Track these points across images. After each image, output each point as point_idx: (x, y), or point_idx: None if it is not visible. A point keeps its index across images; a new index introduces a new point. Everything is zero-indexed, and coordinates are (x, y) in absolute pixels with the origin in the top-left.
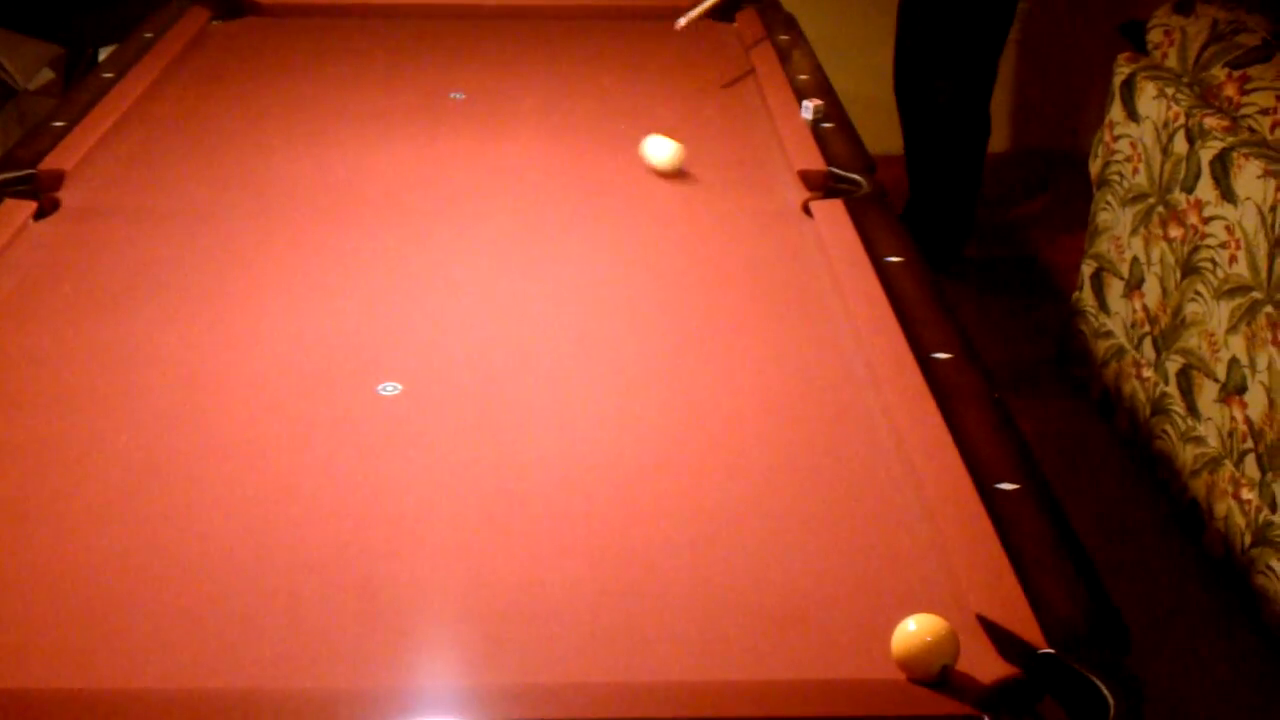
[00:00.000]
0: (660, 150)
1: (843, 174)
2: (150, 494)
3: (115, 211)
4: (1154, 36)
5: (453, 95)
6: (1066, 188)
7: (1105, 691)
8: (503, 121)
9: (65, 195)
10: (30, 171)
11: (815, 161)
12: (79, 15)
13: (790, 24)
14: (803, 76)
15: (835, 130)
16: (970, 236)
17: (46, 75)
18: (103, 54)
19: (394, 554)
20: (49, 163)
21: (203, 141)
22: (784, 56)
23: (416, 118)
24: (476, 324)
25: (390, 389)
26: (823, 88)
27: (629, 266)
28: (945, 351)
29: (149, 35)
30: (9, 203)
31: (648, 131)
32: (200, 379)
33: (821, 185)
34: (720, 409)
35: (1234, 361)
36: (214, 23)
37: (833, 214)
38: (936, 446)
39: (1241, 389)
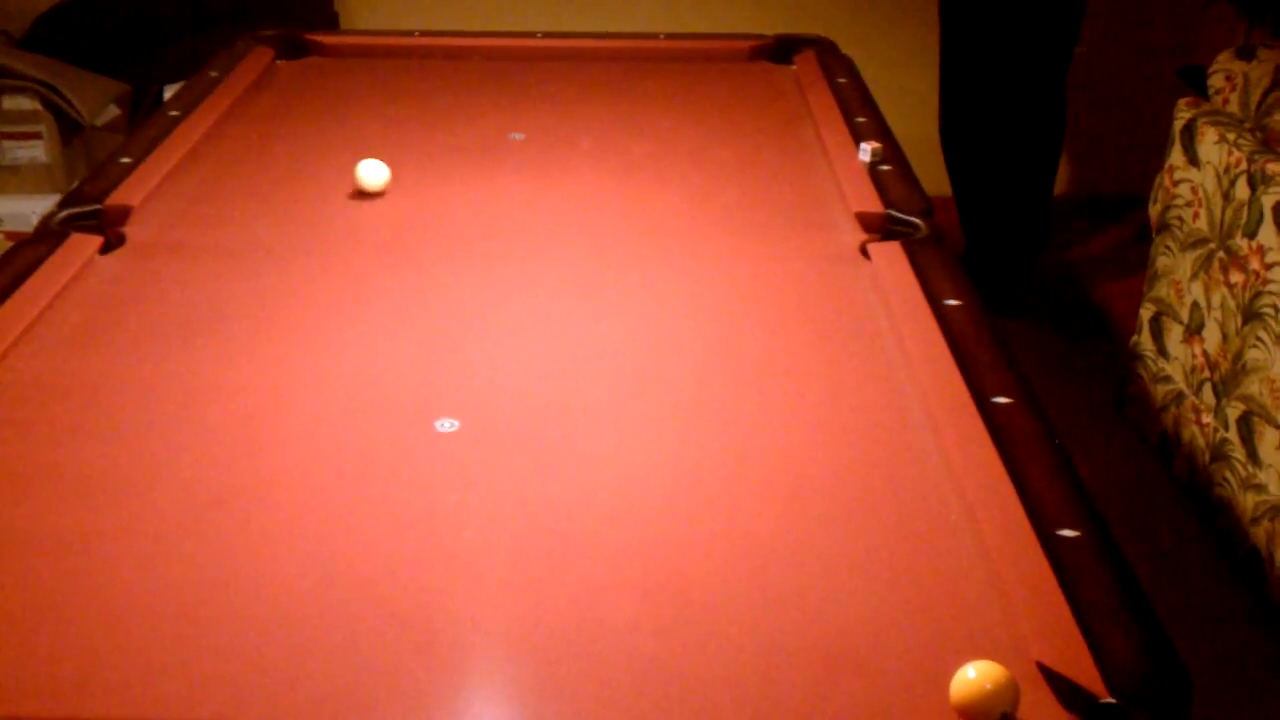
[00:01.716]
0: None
1: (901, 216)
2: (211, 526)
3: (180, 247)
4: (1215, 81)
5: (512, 136)
6: (1125, 232)
7: None
8: (561, 162)
9: (131, 230)
10: (97, 207)
11: (873, 204)
12: (145, 53)
13: (848, 66)
14: (860, 119)
15: (893, 172)
16: (1030, 279)
17: (112, 112)
18: (168, 92)
19: (450, 590)
20: (115, 198)
21: (266, 179)
22: (842, 99)
23: (476, 158)
24: (533, 362)
25: (448, 425)
26: (880, 130)
27: (686, 306)
28: (1005, 395)
29: (214, 74)
30: (76, 237)
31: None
32: (261, 413)
33: (879, 227)
34: (776, 449)
35: None
36: (278, 62)
37: (890, 256)
38: (996, 491)
39: None
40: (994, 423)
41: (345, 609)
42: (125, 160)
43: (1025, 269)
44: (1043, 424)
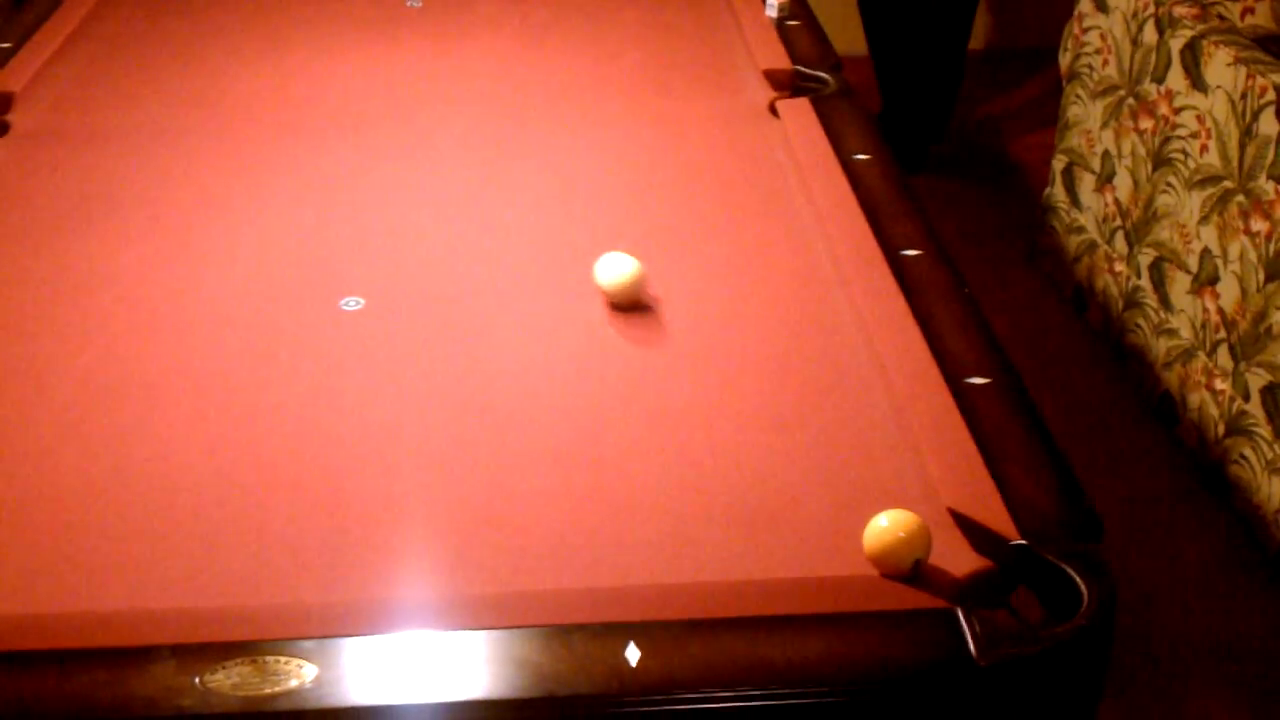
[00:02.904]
0: (615, 271)
1: (809, 72)
2: (111, 415)
3: (67, 133)
4: None
5: (409, 3)
6: (1040, 84)
7: (1078, 580)
8: (461, 27)
9: (14, 118)
10: None
11: (781, 60)
12: None
13: None
14: None
15: (800, 28)
16: (946, 134)
17: None
18: None
19: (361, 469)
20: None
21: (154, 59)
22: None
23: (373, 26)
24: (439, 233)
25: (353, 303)
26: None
27: (594, 170)
28: (914, 248)
29: None
30: None
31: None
32: (159, 298)
33: (788, 84)
34: (688, 312)
35: (1206, 252)
36: None
37: (799, 113)
38: (906, 343)
39: (1214, 280)
40: (903, 275)
41: (254, 491)
42: (4, 45)
43: (940, 125)
44: (952, 275)
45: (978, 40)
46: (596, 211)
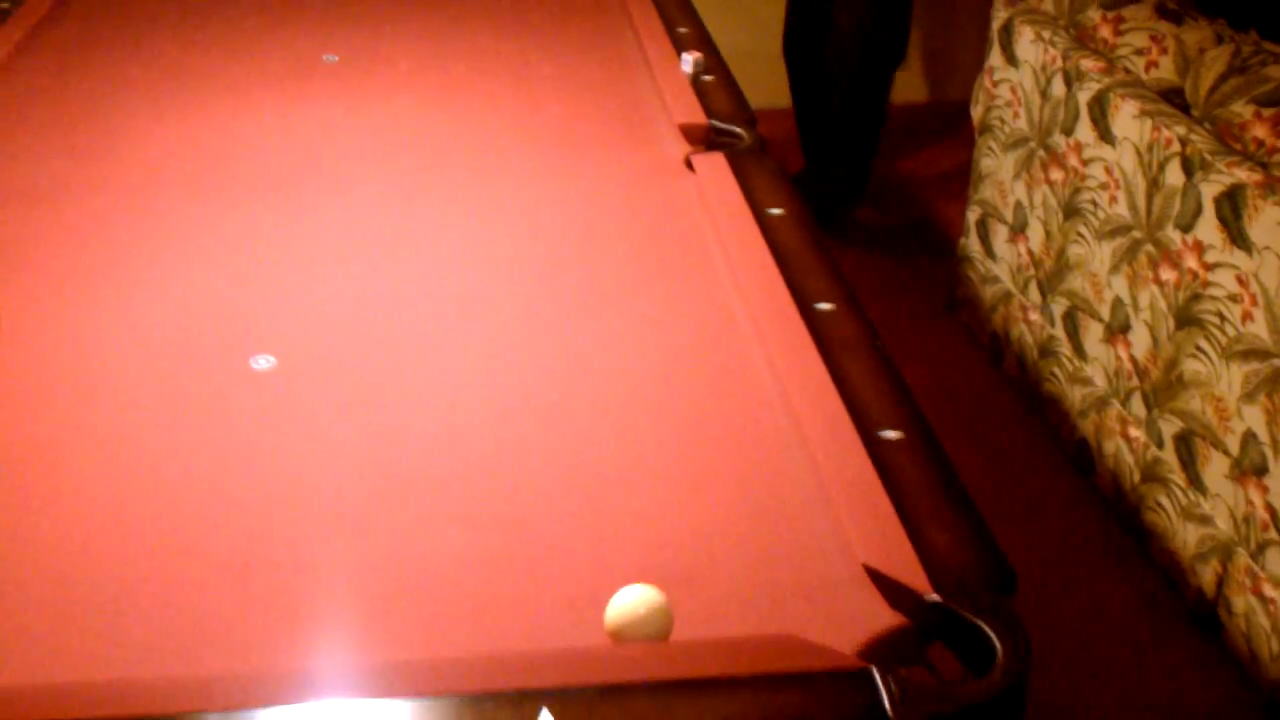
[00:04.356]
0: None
1: (724, 127)
2: (7, 482)
3: None
4: None
5: (326, 59)
6: (959, 139)
7: (992, 635)
8: (377, 84)
9: None
10: None
11: (696, 115)
12: None
13: None
14: (681, 29)
15: (715, 83)
16: (864, 193)
17: None
18: None
19: (269, 533)
20: None
21: (61, 112)
22: (663, 10)
23: (288, 82)
24: (351, 293)
25: (264, 362)
26: (702, 40)
27: (508, 228)
28: (827, 302)
29: (4, 5)
30: None
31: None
32: (61, 359)
33: (703, 139)
34: (603, 368)
35: (1117, 301)
36: None
37: (714, 167)
38: (820, 396)
39: (1125, 328)
40: (817, 328)
41: (157, 558)
42: None
43: (861, 181)
44: (865, 328)
45: (898, 94)
46: (513, 268)
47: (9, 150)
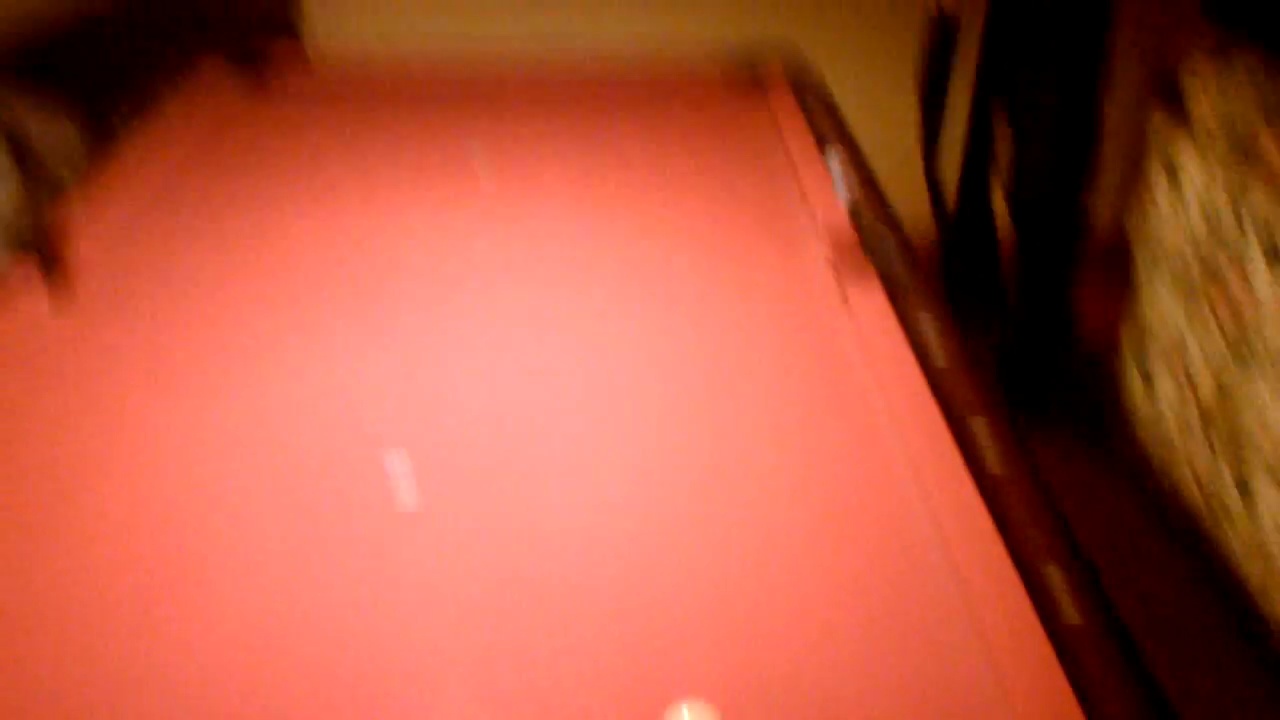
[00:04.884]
0: None
1: (872, 238)
2: (120, 611)
3: (116, 294)
4: (1190, 91)
5: (474, 163)
6: (1109, 260)
7: None
8: (525, 193)
9: (68, 277)
10: (35, 252)
11: (849, 237)
12: (109, 90)
13: (825, 93)
14: (833, 145)
15: (865, 194)
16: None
17: (72, 140)
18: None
19: (398, 641)
20: (55, 243)
21: (215, 218)
22: (815, 126)
23: (436, 183)
24: (490, 401)
25: (397, 464)
26: (855, 156)
27: (656, 344)
28: (1000, 463)
29: (165, 99)
30: (7, 286)
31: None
32: (196, 447)
33: (852, 250)
34: (750, 497)
35: None
36: (233, 93)
37: (872, 301)
38: (995, 572)
39: None
40: (988, 491)
41: (277, 692)
42: (68, 202)
43: (1066, 336)
44: (1043, 493)
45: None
46: (655, 383)
47: (158, 258)
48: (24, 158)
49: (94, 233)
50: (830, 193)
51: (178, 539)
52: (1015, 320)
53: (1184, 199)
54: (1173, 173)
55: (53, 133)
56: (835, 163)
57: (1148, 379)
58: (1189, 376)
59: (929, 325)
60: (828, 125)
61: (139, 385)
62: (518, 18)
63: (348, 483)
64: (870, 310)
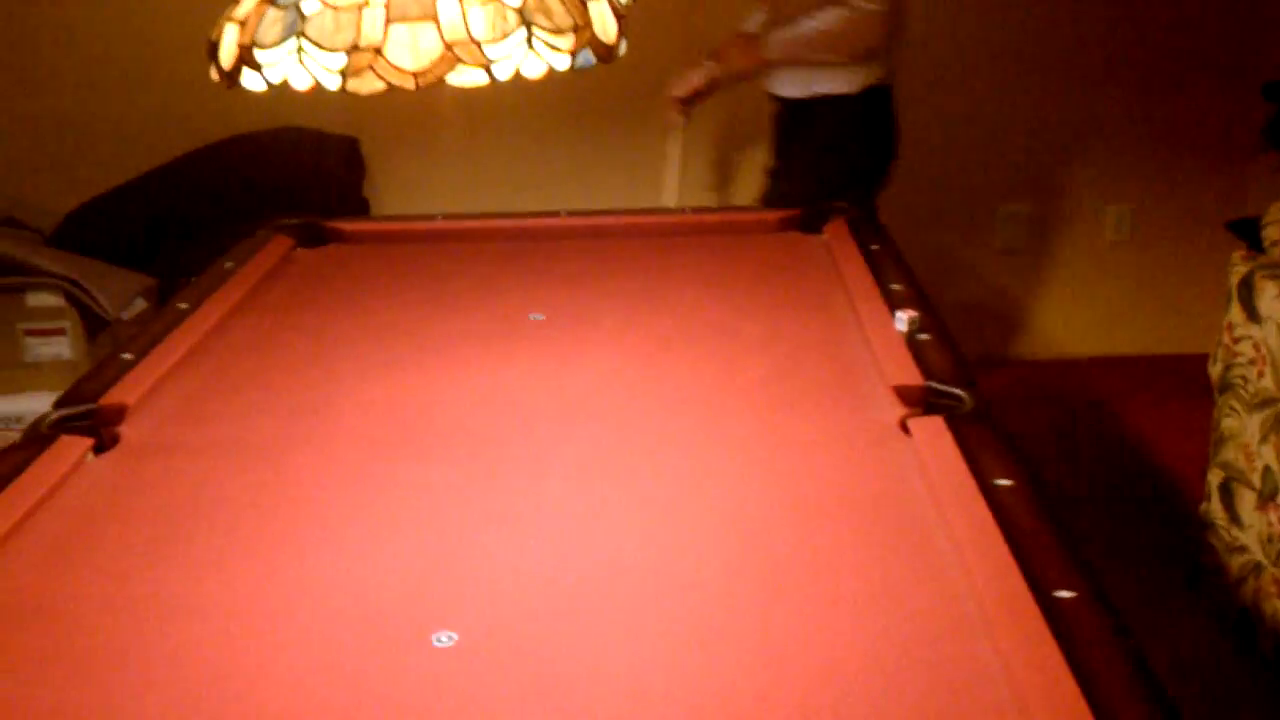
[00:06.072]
0: None
1: (942, 389)
2: None
3: (173, 446)
4: (1271, 233)
5: (532, 317)
6: (1187, 392)
7: None
8: (582, 342)
9: (126, 430)
10: (91, 407)
11: (912, 376)
12: (173, 247)
13: (881, 233)
14: (895, 286)
15: (932, 342)
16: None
17: (139, 306)
18: None
19: None
20: (111, 397)
21: (272, 371)
22: (875, 266)
23: (493, 342)
24: (544, 567)
25: (445, 639)
26: (917, 297)
27: (712, 495)
28: (1068, 589)
29: (229, 265)
30: (64, 440)
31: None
32: (243, 629)
33: (920, 401)
34: (815, 662)
35: None
36: (296, 251)
37: (933, 433)
38: (1063, 702)
39: None
40: (1056, 619)
41: None
42: (126, 357)
43: None
44: (1113, 619)
45: (1120, 347)
46: (715, 542)
47: (216, 409)
48: (87, 308)
49: (149, 407)
50: (900, 349)
51: (238, 691)
52: None
53: (1265, 334)
54: (1252, 309)
55: (117, 284)
56: (903, 324)
57: (1234, 514)
58: (1277, 506)
59: (993, 461)
60: (886, 263)
61: (193, 567)
62: (570, 190)
63: (392, 646)
64: (936, 453)
